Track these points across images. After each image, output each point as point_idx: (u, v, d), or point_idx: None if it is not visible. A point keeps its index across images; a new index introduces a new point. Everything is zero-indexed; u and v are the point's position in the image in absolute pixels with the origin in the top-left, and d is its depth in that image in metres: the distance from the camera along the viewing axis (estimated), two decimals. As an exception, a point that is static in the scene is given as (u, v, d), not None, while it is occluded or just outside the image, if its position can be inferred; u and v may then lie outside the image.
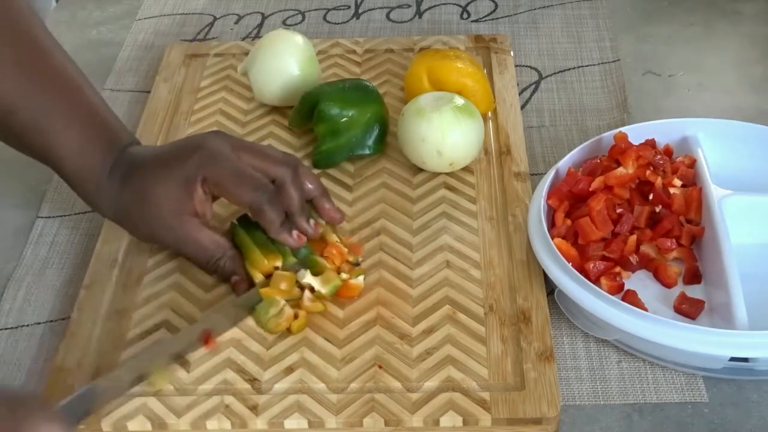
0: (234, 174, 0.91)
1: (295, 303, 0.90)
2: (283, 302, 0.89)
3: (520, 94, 1.18)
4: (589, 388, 0.86)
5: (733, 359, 0.85)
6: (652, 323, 0.85)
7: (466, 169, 1.05)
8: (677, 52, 1.25)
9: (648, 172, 0.96)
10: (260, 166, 0.92)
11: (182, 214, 0.92)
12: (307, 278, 0.91)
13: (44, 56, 0.96)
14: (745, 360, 0.85)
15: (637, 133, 1.00)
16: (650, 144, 1.00)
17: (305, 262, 0.92)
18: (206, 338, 0.88)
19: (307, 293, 0.90)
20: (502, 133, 1.09)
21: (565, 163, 1.00)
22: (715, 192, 0.95)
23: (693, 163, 0.99)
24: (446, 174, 1.04)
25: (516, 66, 1.21)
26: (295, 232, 0.92)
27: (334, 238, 0.95)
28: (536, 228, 0.94)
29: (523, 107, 1.16)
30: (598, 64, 1.23)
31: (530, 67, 1.23)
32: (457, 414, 0.82)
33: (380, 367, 0.86)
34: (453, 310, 0.90)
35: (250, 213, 0.93)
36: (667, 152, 1.01)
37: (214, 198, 0.94)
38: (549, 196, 0.97)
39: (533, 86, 1.20)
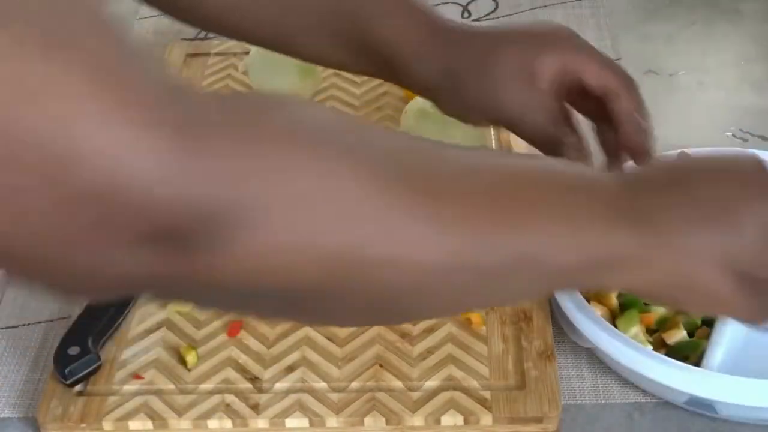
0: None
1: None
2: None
3: (521, 93, 1.17)
4: (590, 386, 0.86)
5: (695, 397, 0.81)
6: (621, 342, 0.82)
7: (467, 168, 1.05)
8: (678, 51, 1.25)
9: (649, 171, 0.96)
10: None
11: (531, 84, 0.82)
12: None
13: None
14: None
15: (638, 132, 1.00)
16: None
17: None
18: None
19: None
20: (504, 133, 1.09)
21: (565, 162, 0.99)
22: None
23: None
24: (447, 173, 1.04)
25: (517, 65, 1.21)
26: None
27: None
28: (537, 227, 0.93)
29: (523, 106, 1.16)
30: (599, 63, 1.22)
31: (531, 66, 1.23)
32: (458, 413, 0.82)
33: (381, 365, 0.86)
34: (454, 309, 0.90)
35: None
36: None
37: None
38: (550, 195, 0.96)
39: (534, 85, 1.19)
